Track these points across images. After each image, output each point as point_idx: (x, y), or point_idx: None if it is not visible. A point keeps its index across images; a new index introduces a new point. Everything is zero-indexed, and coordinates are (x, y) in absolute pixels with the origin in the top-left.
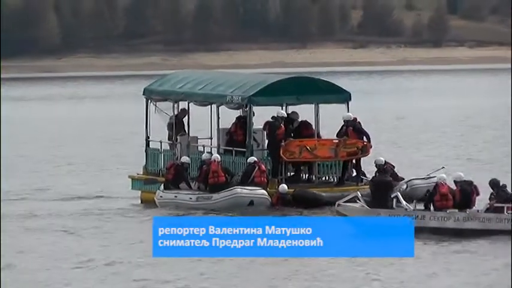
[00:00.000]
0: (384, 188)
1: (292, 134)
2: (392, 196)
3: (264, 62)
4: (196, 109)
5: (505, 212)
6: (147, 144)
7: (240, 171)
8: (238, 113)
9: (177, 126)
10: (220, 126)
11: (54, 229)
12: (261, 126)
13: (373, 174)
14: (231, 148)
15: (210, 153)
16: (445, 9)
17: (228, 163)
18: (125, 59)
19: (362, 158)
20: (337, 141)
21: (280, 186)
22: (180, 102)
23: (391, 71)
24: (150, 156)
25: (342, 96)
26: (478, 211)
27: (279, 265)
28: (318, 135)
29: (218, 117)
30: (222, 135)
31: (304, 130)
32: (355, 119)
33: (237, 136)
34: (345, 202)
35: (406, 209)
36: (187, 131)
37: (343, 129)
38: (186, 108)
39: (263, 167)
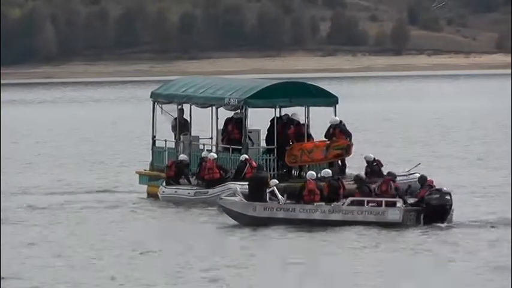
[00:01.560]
0: (259, 183)
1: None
2: (268, 191)
3: (242, 69)
4: (199, 111)
5: (366, 205)
6: (153, 143)
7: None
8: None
9: (180, 126)
10: (219, 127)
11: (69, 219)
12: (257, 128)
13: (364, 170)
14: (228, 146)
15: (210, 151)
16: (405, 21)
17: (226, 160)
18: (116, 66)
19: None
20: (328, 142)
21: (271, 181)
22: (183, 105)
23: (357, 77)
24: (155, 154)
25: (330, 99)
26: (342, 204)
27: None
28: (309, 135)
29: (217, 118)
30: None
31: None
32: (341, 121)
33: (234, 135)
34: (226, 196)
35: (278, 202)
36: (190, 131)
37: (330, 131)
38: (189, 110)
39: (254, 163)
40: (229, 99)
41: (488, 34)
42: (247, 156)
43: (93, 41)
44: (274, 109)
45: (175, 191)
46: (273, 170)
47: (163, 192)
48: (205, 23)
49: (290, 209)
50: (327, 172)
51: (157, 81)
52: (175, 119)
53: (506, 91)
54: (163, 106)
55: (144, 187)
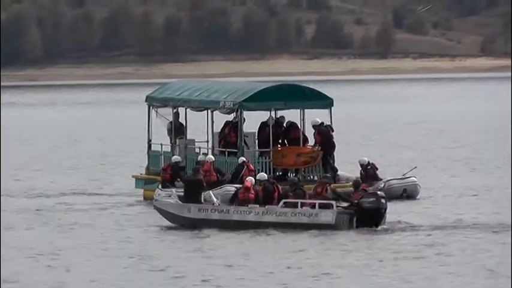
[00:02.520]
0: (194, 185)
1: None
2: (205, 193)
3: (227, 72)
4: (195, 114)
5: (299, 207)
6: (149, 147)
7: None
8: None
9: (175, 130)
10: (215, 130)
11: (70, 222)
12: (253, 130)
13: (359, 174)
14: (224, 149)
15: (206, 154)
16: (391, 24)
17: (222, 163)
18: (101, 69)
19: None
20: (300, 150)
21: (259, 174)
22: (179, 108)
23: (342, 80)
24: (151, 157)
25: (326, 102)
26: (276, 206)
27: None
28: (304, 138)
29: (212, 122)
30: (217, 138)
31: (292, 132)
32: (322, 123)
33: (230, 138)
34: (161, 198)
35: (213, 204)
36: (185, 135)
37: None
38: (184, 113)
39: (251, 166)
40: (224, 103)
41: (473, 37)
42: (244, 159)
43: (78, 44)
44: (269, 112)
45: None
46: (269, 173)
47: (158, 195)
48: (190, 26)
49: (224, 211)
50: (263, 176)
51: (142, 84)
52: (171, 122)
53: (493, 94)
54: (159, 110)
55: (140, 191)
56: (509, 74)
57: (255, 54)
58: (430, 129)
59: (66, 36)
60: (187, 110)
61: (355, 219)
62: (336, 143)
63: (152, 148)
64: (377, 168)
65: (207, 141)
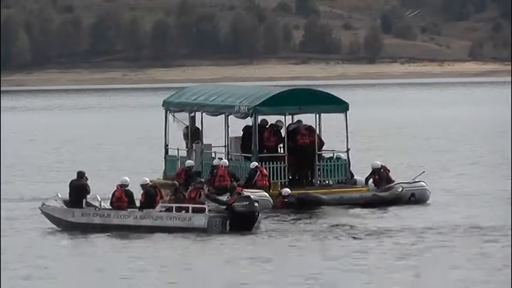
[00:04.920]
0: (78, 190)
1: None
2: (90, 197)
3: (214, 77)
4: (211, 119)
5: (174, 211)
6: (166, 152)
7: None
8: (249, 121)
9: (191, 135)
10: (229, 135)
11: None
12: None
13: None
14: (239, 154)
15: (221, 158)
16: (379, 29)
17: (237, 168)
18: (89, 74)
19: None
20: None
21: (284, 190)
22: (195, 113)
23: (330, 85)
24: (168, 162)
25: (341, 106)
26: (153, 210)
27: None
28: (321, 142)
29: (227, 126)
30: (235, 143)
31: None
32: (294, 129)
33: (270, 143)
34: (48, 202)
35: (95, 208)
36: (201, 139)
37: None
38: (200, 118)
39: (264, 171)
40: (239, 107)
41: (462, 42)
42: (257, 164)
43: (66, 49)
44: (284, 116)
45: None
46: (283, 178)
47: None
48: (178, 31)
49: (105, 215)
50: (144, 180)
51: (130, 89)
52: (187, 127)
53: (482, 98)
54: (176, 114)
55: None
56: (497, 79)
57: (243, 59)
58: (424, 133)
59: (54, 41)
60: (203, 114)
61: (228, 222)
62: (305, 148)
63: (169, 153)
64: (389, 170)
65: (225, 146)
